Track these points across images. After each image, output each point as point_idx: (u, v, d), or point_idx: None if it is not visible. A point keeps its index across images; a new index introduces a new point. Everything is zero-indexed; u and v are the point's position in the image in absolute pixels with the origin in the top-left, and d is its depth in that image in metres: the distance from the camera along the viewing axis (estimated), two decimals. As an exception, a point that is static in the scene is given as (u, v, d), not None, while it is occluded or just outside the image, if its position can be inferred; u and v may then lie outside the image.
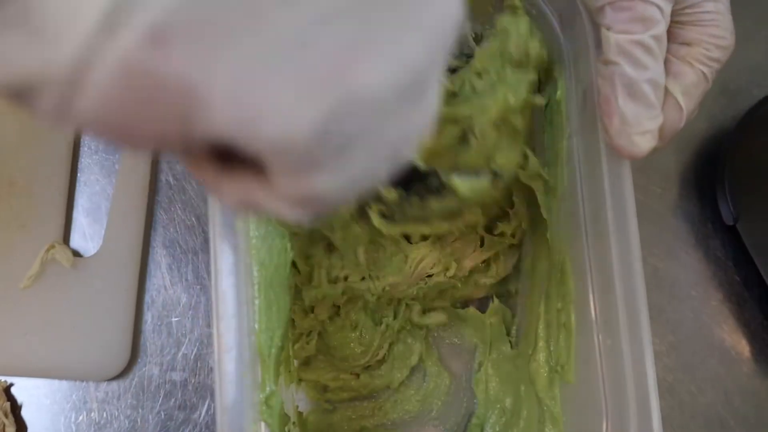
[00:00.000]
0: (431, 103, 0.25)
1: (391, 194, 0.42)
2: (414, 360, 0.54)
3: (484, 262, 0.53)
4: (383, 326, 0.54)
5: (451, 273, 0.52)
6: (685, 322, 0.57)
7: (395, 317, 0.54)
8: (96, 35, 0.18)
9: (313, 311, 0.52)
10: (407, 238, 0.52)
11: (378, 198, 0.43)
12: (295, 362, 0.52)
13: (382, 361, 0.54)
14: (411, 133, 0.25)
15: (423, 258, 0.51)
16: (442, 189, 0.42)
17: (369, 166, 0.24)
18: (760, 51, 0.62)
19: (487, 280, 0.54)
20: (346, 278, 0.51)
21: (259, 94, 0.21)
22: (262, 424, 0.39)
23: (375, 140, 0.23)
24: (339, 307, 0.53)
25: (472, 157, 0.43)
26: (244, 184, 0.24)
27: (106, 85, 0.19)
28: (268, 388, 0.39)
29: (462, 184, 0.42)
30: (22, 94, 0.19)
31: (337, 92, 0.21)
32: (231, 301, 0.39)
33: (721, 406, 0.55)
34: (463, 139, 0.43)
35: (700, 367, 0.56)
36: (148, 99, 0.20)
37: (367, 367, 0.54)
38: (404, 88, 0.23)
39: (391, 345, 0.55)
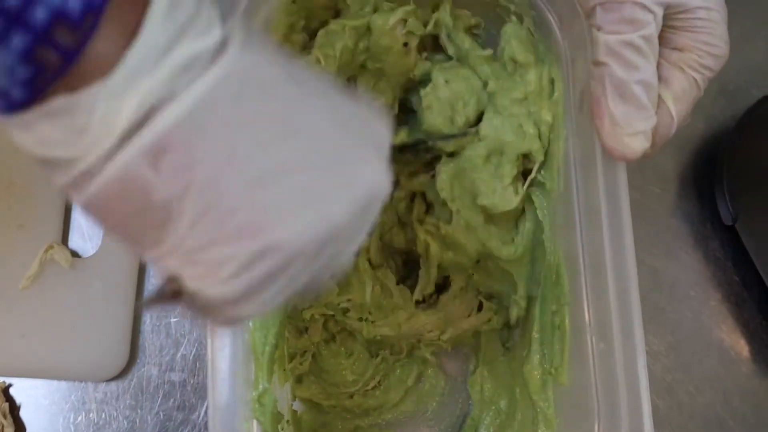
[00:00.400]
0: (352, 251, 0.29)
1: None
2: (411, 382, 0.54)
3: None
4: (378, 359, 0.53)
5: (446, 337, 0.52)
6: (684, 322, 0.57)
7: (392, 352, 0.54)
8: (115, 147, 0.24)
9: (306, 331, 0.52)
10: (418, 302, 0.52)
11: None
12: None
13: (376, 387, 0.54)
14: (331, 270, 0.28)
15: (424, 324, 0.51)
16: (430, 149, 0.49)
17: (287, 293, 0.28)
18: (759, 51, 0.62)
19: (485, 327, 0.54)
20: (346, 311, 0.51)
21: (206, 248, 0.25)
22: (255, 422, 0.39)
23: (294, 277, 0.27)
24: (335, 334, 0.53)
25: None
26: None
27: (107, 186, 0.24)
28: (261, 386, 0.39)
29: (448, 145, 0.48)
30: (49, 164, 0.25)
31: (258, 244, 0.25)
32: None
33: (720, 406, 0.55)
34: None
35: (699, 367, 0.56)
36: (133, 201, 0.25)
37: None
38: (324, 241, 0.26)
39: (384, 375, 0.54)
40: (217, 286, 0.26)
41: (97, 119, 0.23)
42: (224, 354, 0.38)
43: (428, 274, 0.52)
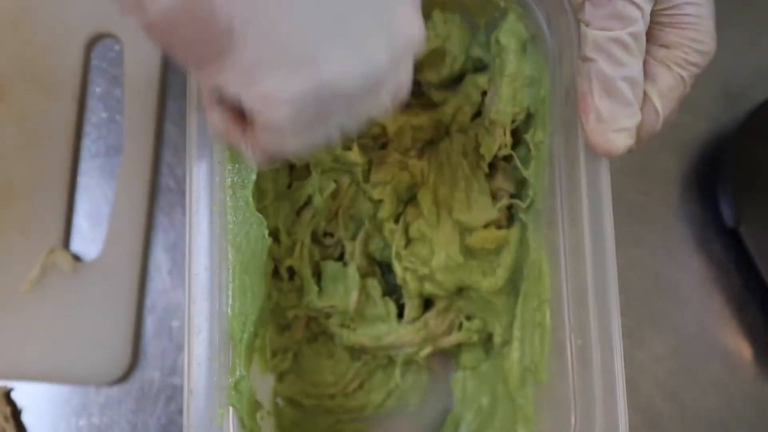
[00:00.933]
0: (385, 99, 0.32)
1: None
2: (393, 385, 0.53)
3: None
4: (360, 363, 0.53)
5: (424, 353, 0.51)
6: (687, 326, 0.56)
7: (374, 357, 0.53)
8: None
9: (289, 329, 0.52)
10: (400, 312, 0.52)
11: None
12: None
13: (357, 389, 0.53)
14: (365, 116, 0.33)
15: (405, 339, 0.51)
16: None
17: (328, 137, 0.32)
18: (762, 54, 0.62)
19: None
20: (329, 315, 0.51)
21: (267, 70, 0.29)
22: (231, 409, 0.38)
23: (338, 119, 0.32)
24: (317, 334, 0.53)
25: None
26: (230, 122, 0.34)
27: (172, 4, 0.26)
28: (238, 373, 0.39)
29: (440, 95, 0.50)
30: None
31: (315, 78, 0.29)
32: (204, 283, 0.38)
33: (724, 409, 0.55)
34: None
35: (703, 371, 0.56)
36: (198, 24, 0.27)
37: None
38: (368, 84, 0.31)
39: (366, 378, 0.53)
40: (275, 108, 0.30)
41: None
42: (201, 338, 0.38)
43: (411, 303, 0.51)
